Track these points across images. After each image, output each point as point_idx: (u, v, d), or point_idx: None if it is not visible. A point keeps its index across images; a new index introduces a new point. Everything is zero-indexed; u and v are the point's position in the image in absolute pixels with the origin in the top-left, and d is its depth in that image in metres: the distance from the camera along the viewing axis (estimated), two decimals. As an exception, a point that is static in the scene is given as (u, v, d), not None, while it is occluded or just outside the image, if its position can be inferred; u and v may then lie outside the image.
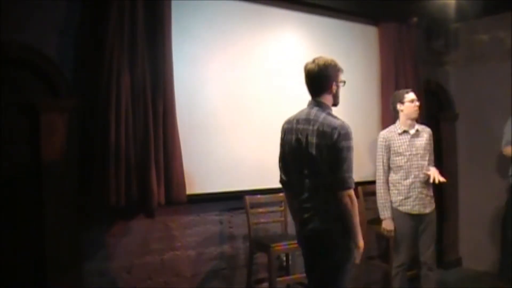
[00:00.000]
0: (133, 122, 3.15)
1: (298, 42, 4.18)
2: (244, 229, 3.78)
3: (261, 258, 3.81)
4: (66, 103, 3.08)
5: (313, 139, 2.49)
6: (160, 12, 3.28)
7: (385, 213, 3.77)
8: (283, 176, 2.72)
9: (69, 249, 3.05)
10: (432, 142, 3.82)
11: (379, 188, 3.80)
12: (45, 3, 3.04)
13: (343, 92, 4.46)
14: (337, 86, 2.71)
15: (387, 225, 3.75)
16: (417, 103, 3.72)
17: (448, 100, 5.57)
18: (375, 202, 4.50)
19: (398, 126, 3.75)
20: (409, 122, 3.71)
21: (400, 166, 3.69)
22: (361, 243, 2.53)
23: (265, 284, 3.77)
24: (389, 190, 3.78)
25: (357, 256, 2.56)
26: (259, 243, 3.64)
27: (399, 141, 3.71)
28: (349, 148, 2.47)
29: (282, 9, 4.13)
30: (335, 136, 2.45)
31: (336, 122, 2.51)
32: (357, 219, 2.49)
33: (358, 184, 4.40)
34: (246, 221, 3.68)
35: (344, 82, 2.77)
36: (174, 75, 3.35)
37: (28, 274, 3.00)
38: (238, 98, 3.83)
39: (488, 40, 5.23)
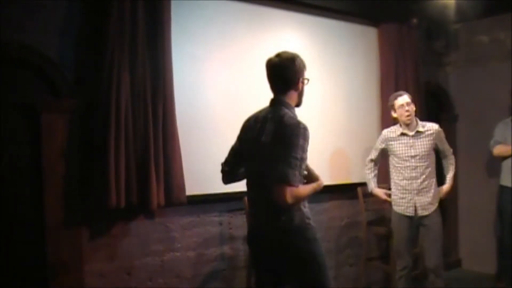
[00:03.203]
0: (133, 123, 3.15)
1: (298, 43, 4.17)
2: (243, 230, 3.77)
3: (261, 259, 3.81)
4: (66, 104, 3.07)
5: (267, 139, 2.33)
6: (160, 12, 3.27)
7: (370, 185, 3.95)
8: (225, 167, 2.64)
9: (69, 250, 3.05)
10: (440, 138, 3.71)
11: (366, 164, 4.01)
12: (46, 3, 3.03)
13: (343, 93, 4.53)
14: (303, 83, 2.48)
15: (376, 194, 3.90)
16: (408, 108, 3.62)
17: (448, 101, 5.58)
18: (374, 203, 4.54)
19: (398, 127, 3.73)
20: (406, 125, 3.67)
21: (397, 167, 3.70)
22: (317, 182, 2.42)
23: (265, 285, 3.77)
24: (374, 167, 3.98)
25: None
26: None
27: (397, 142, 3.69)
28: (295, 145, 2.23)
29: (282, 10, 4.13)
30: (287, 133, 2.25)
31: (291, 121, 2.30)
32: (305, 197, 2.33)
33: (357, 185, 4.45)
34: (246, 222, 3.67)
35: (308, 80, 2.52)
36: (174, 76, 3.35)
37: (29, 275, 2.99)
38: (238, 99, 3.82)
39: (488, 41, 5.24)
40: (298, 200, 2.28)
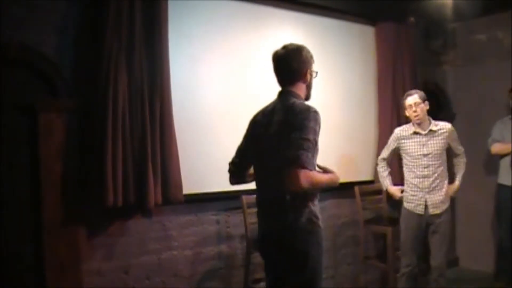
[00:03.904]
0: (130, 122, 3.16)
1: (296, 42, 4.18)
2: (241, 228, 3.80)
3: (258, 257, 3.77)
4: (64, 103, 3.08)
5: (275, 131, 2.24)
6: (157, 12, 3.28)
7: (384, 183, 3.92)
8: (232, 167, 2.53)
9: (67, 249, 3.06)
10: (453, 137, 3.72)
11: (377, 163, 4.00)
12: (44, 3, 3.04)
13: (341, 92, 4.54)
14: (311, 75, 2.41)
15: (393, 194, 3.86)
16: (415, 108, 3.63)
17: (446, 100, 5.59)
18: (371, 202, 4.56)
19: (411, 126, 3.74)
20: (418, 124, 3.68)
21: (409, 165, 3.72)
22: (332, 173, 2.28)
23: (263, 284, 3.77)
24: (387, 166, 3.95)
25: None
26: (257, 243, 3.65)
27: (410, 141, 3.71)
28: (307, 128, 2.13)
29: (279, 9, 4.14)
30: (296, 118, 2.16)
31: (300, 106, 2.22)
32: (321, 186, 2.20)
33: (355, 183, 4.46)
34: (243, 220, 3.69)
35: (317, 73, 2.47)
36: (171, 75, 3.36)
37: (27, 275, 3.00)
38: (235, 98, 3.84)
39: (486, 40, 5.24)
40: (313, 185, 2.11)
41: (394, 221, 4.41)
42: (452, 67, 5.60)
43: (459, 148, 3.82)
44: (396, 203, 4.30)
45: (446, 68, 5.63)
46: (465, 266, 5.46)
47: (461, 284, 4.90)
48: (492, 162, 4.87)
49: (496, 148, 4.53)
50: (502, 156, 4.53)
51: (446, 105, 5.57)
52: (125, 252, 3.32)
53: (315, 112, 2.20)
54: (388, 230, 4.22)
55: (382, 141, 4.69)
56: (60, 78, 3.08)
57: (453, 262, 5.47)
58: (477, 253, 5.31)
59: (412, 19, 4.84)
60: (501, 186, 4.57)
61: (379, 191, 4.62)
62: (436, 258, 3.68)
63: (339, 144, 4.48)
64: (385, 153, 3.96)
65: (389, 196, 3.98)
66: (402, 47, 4.79)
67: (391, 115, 4.69)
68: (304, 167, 2.06)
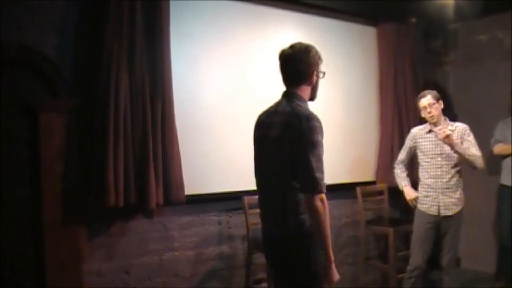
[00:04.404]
0: (132, 123, 3.15)
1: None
2: (242, 229, 3.78)
3: (259, 258, 3.80)
4: (65, 104, 3.07)
5: (276, 132, 2.20)
6: (159, 12, 3.28)
7: (402, 183, 3.85)
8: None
9: (68, 249, 3.05)
10: (463, 135, 3.61)
11: (395, 166, 3.94)
12: (45, 3, 3.03)
13: (342, 93, 4.53)
14: (317, 77, 2.34)
15: (407, 194, 3.78)
16: (429, 109, 3.59)
17: (447, 100, 5.57)
18: (373, 203, 4.55)
19: (427, 125, 3.73)
20: (432, 123, 3.65)
21: (423, 165, 3.71)
22: (332, 257, 2.19)
23: (264, 285, 3.77)
24: (405, 167, 3.89)
25: (333, 273, 2.21)
26: (258, 244, 3.63)
27: (425, 140, 3.70)
28: (315, 144, 2.11)
29: (280, 9, 4.14)
30: (300, 128, 2.11)
31: (303, 112, 2.17)
32: (327, 229, 2.14)
33: (356, 184, 4.45)
34: (245, 221, 3.68)
35: (324, 73, 2.40)
36: (173, 76, 3.36)
37: (27, 275, 2.99)
38: (236, 98, 3.84)
39: (487, 40, 5.24)
40: (325, 208, 2.14)
41: (395, 222, 4.41)
42: (453, 67, 5.59)
43: (474, 149, 3.58)
44: (398, 205, 4.29)
45: (447, 69, 5.62)
46: (466, 267, 5.44)
47: (462, 284, 4.88)
48: (494, 163, 4.85)
49: (498, 148, 4.53)
50: (504, 156, 4.52)
51: (447, 105, 5.54)
52: (126, 253, 3.31)
53: (318, 121, 2.18)
54: (390, 231, 4.21)
55: (383, 141, 4.69)
56: (60, 78, 3.08)
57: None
58: (478, 254, 5.30)
59: (413, 19, 4.84)
60: (502, 187, 4.57)
61: (381, 192, 4.61)
62: (445, 259, 3.68)
63: (341, 144, 4.47)
64: (402, 154, 3.92)
65: (404, 198, 3.84)
66: (403, 47, 4.79)
67: (392, 116, 4.68)
68: (321, 192, 2.12)
